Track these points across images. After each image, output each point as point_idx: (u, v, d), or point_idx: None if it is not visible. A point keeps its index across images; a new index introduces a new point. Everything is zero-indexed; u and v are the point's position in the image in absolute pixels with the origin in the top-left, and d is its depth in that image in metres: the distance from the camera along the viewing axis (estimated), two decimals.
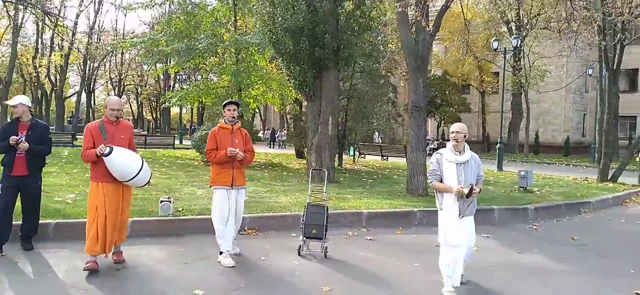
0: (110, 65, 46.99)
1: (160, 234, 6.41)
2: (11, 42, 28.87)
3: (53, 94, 40.11)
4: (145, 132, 40.90)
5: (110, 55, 42.96)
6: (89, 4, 36.42)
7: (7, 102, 5.46)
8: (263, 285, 4.74)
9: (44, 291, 4.36)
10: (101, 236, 4.81)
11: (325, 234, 5.82)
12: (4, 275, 4.66)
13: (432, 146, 33.40)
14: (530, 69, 28.58)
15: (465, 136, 4.78)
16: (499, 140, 19.18)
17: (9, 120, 5.46)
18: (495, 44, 19.52)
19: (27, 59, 34.77)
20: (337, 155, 17.49)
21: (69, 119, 53.72)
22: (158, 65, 21.77)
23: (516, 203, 9.32)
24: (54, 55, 34.46)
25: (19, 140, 5.14)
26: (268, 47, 14.31)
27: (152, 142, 26.54)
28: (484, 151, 35.56)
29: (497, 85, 36.63)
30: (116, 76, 47.97)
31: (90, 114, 47.81)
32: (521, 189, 11.38)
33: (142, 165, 4.96)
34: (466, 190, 4.53)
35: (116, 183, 4.92)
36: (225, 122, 5.58)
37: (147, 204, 7.47)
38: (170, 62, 21.64)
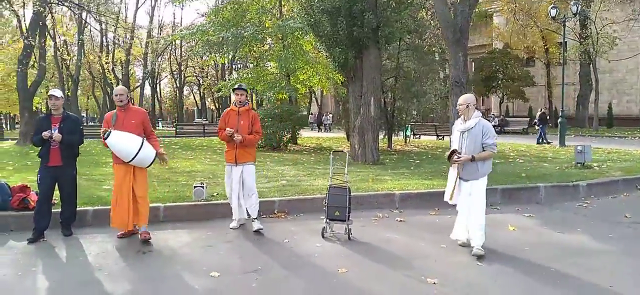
0: (170, 58, 48.79)
1: (192, 218, 6.61)
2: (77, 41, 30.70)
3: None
4: (206, 121, 42.31)
5: (169, 48, 44.67)
6: (142, 3, 38.08)
7: (51, 92, 5.77)
8: (280, 268, 4.75)
9: (72, 273, 4.62)
10: (118, 212, 5.47)
11: (349, 216, 5.75)
12: (40, 258, 5.00)
13: (492, 123, 32.14)
14: (598, 36, 26.54)
15: (468, 107, 5.12)
16: (560, 114, 18.03)
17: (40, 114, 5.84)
18: (553, 12, 18.25)
19: (94, 57, 36.97)
20: (386, 136, 17.24)
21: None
22: (217, 55, 22.35)
23: (567, 180, 8.74)
24: (118, 51, 36.41)
25: (52, 133, 5.46)
26: (309, 30, 14.24)
27: (210, 131, 27.51)
28: (551, 126, 33.75)
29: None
30: (177, 68, 49.87)
31: (157, 106, 50.17)
32: (578, 164, 10.67)
33: (142, 146, 5.31)
34: (447, 153, 5.25)
35: (126, 165, 5.41)
36: (235, 105, 6.09)
37: (186, 189, 7.71)
38: (224, 52, 22.15)
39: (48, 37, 31.88)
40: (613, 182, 8.77)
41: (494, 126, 31.64)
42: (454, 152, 5.14)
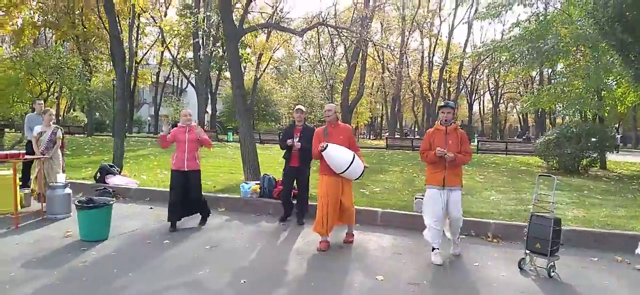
0: (486, 74, 48.55)
1: (405, 226, 6.99)
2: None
3: (437, 103, 45.16)
4: (520, 139, 40.40)
5: (488, 64, 44.56)
6: (458, 23, 39.28)
7: (298, 107, 7.20)
8: (442, 286, 4.62)
9: (275, 252, 5.69)
10: (324, 220, 5.76)
11: (554, 251, 5.01)
12: (266, 239, 6.31)
13: None
14: None
15: None
16: None
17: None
18: None
19: (414, 76, 40.48)
20: None
21: (460, 125, 59.17)
22: (519, 69, 21.46)
23: None
24: (434, 71, 38.88)
25: (294, 142, 6.83)
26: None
27: (512, 149, 26.25)
28: None
29: None
30: (494, 85, 49.20)
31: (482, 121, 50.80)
32: None
33: (353, 160, 5.65)
34: None
35: (335, 176, 5.74)
36: (441, 124, 5.65)
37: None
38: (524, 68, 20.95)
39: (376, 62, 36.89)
40: None
41: None
42: None
